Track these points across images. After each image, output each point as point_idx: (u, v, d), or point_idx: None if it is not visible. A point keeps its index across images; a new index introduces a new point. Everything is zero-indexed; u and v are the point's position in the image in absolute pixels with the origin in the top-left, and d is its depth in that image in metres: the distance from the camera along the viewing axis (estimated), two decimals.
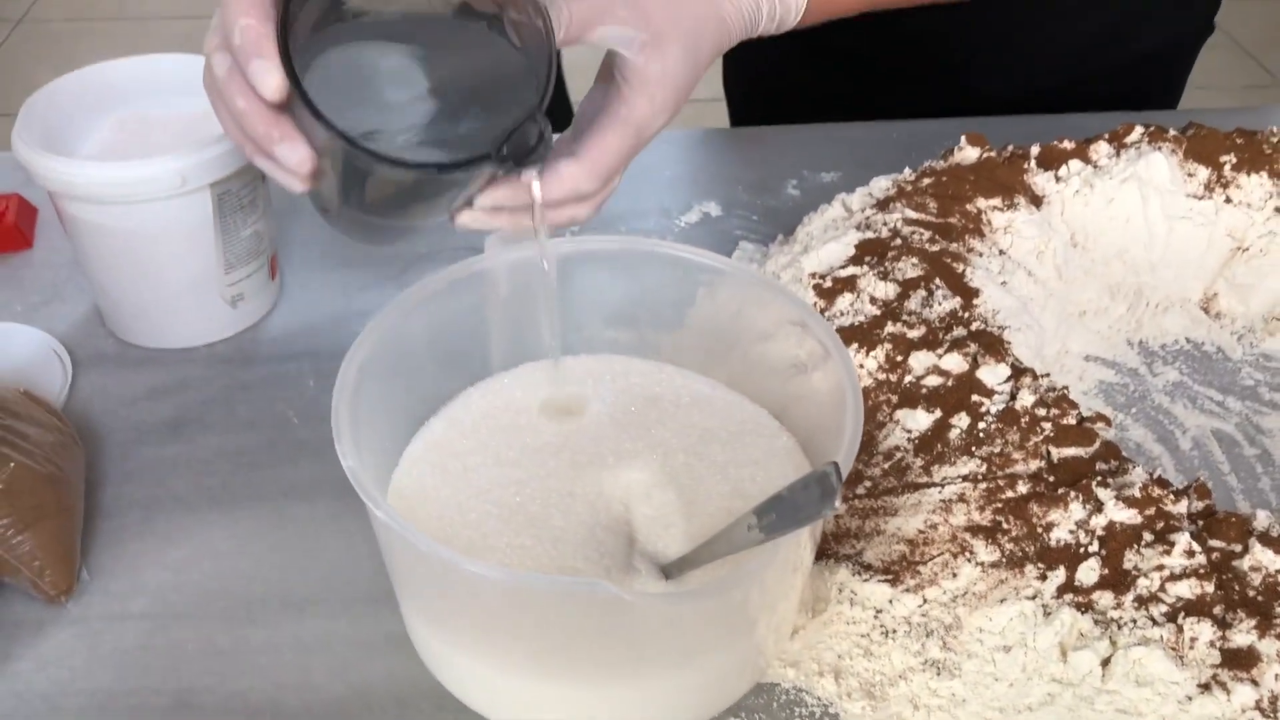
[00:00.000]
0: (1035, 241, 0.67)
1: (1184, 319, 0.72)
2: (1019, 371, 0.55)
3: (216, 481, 0.61)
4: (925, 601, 0.52)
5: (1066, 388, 0.55)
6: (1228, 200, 0.71)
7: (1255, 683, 0.45)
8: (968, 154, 0.71)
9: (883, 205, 0.67)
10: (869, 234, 0.65)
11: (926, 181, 0.68)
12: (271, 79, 0.41)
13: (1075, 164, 0.71)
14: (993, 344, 0.56)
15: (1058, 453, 0.53)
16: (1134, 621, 0.47)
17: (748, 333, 0.59)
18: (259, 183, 0.67)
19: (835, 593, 0.53)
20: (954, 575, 0.51)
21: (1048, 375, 0.55)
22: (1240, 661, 0.46)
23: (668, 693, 0.45)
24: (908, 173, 0.71)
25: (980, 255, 0.64)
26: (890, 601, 0.52)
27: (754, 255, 0.76)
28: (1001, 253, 0.66)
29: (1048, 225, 0.68)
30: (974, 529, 0.52)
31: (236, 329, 0.70)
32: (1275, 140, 0.73)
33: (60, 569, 0.54)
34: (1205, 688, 0.46)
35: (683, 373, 0.58)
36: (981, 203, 0.67)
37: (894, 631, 0.52)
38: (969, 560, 0.51)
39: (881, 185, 0.70)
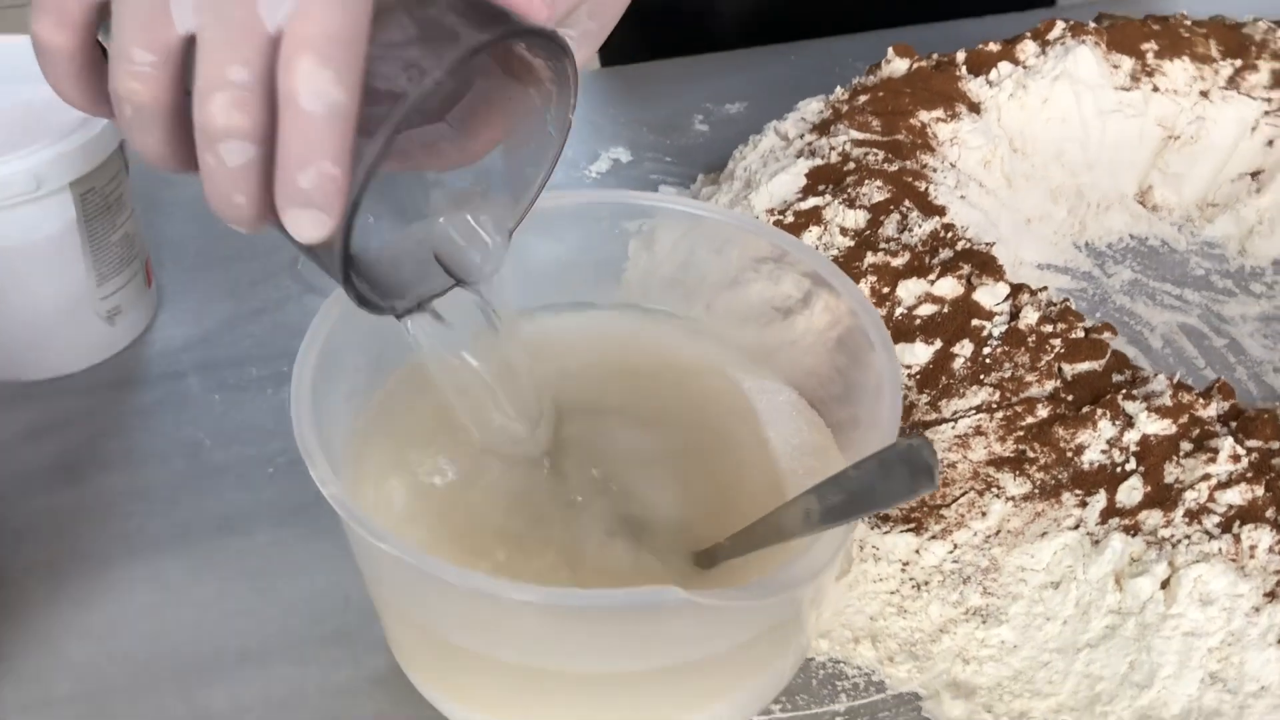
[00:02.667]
0: (982, 151, 0.64)
1: (1125, 215, 0.70)
2: (1016, 288, 0.52)
3: (130, 526, 0.53)
4: (955, 547, 0.48)
5: (1067, 299, 0.52)
6: (1155, 89, 0.70)
7: None
8: (897, 66, 0.67)
9: (822, 129, 0.63)
10: (817, 161, 0.60)
11: (863, 99, 0.64)
12: (320, 233, 0.32)
13: (1005, 66, 0.68)
14: (986, 262, 0.52)
15: (1071, 369, 0.50)
16: (1188, 538, 0.45)
17: (709, 279, 0.53)
18: (123, 175, 0.58)
19: (856, 551, 0.49)
20: (983, 514, 0.48)
21: (1044, 289, 0.52)
22: None
23: (725, 691, 0.40)
24: (840, 92, 0.67)
25: (935, 170, 0.61)
26: (917, 552, 0.48)
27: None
28: (953, 166, 0.62)
29: (990, 133, 0.65)
30: (997, 462, 0.48)
31: (117, 348, 0.61)
32: (1189, 23, 0.72)
33: None
34: (1271, 596, 0.43)
35: (649, 326, 0.52)
36: (924, 115, 0.63)
37: (926, 584, 0.48)
38: (997, 496, 0.48)
39: (814, 108, 0.66)
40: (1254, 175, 0.71)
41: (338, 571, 0.51)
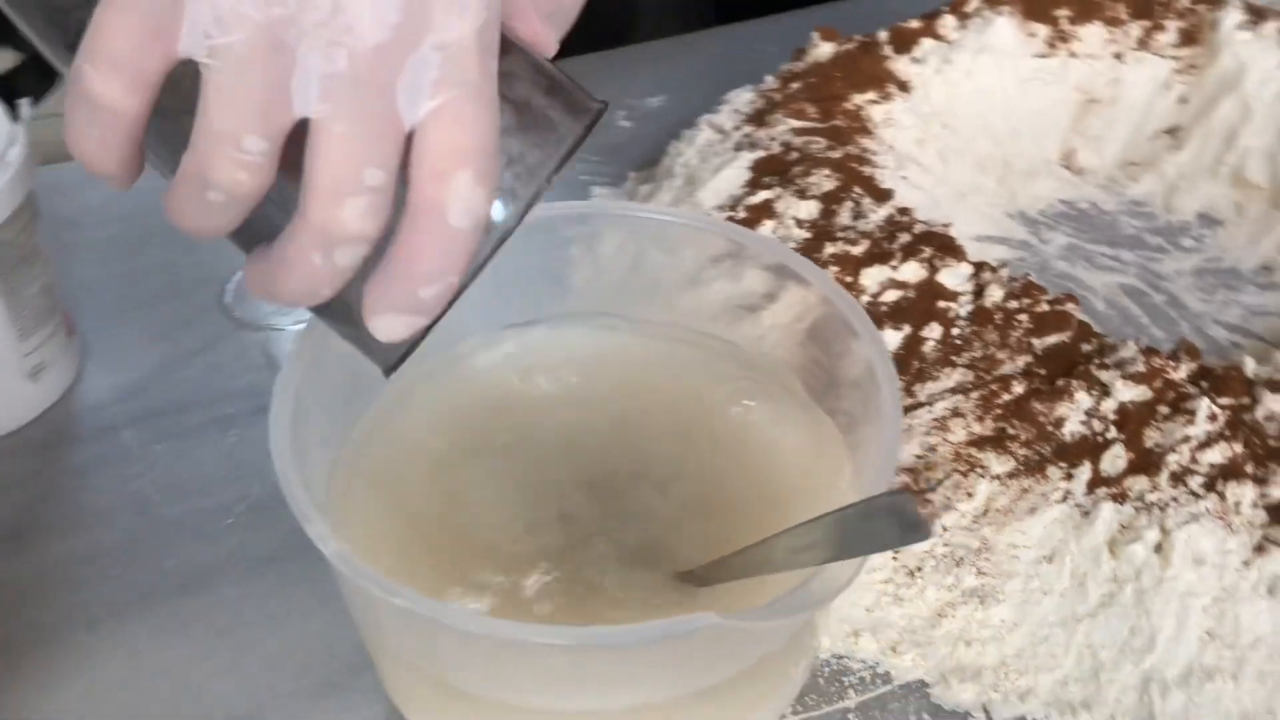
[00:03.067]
0: (916, 130, 0.64)
1: (1052, 181, 0.72)
2: (978, 267, 0.52)
3: (85, 595, 0.50)
4: (945, 530, 0.48)
5: (1029, 274, 0.52)
6: (1071, 54, 0.71)
7: None
8: (822, 50, 0.67)
9: (758, 120, 0.62)
10: (759, 152, 0.59)
11: (795, 86, 0.64)
12: (408, 335, 0.30)
13: (929, 43, 0.68)
14: (946, 243, 0.52)
15: (1040, 343, 0.50)
16: (1175, 500, 0.45)
17: (663, 282, 0.52)
18: (34, 222, 0.55)
19: None
20: (969, 495, 0.48)
21: (1005, 265, 0.52)
22: None
23: (750, 708, 0.39)
24: (769, 80, 0.66)
25: (876, 154, 0.60)
26: None
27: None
28: (891, 148, 0.62)
29: (920, 111, 0.65)
30: (979, 442, 0.48)
31: (43, 406, 0.57)
32: None
33: None
34: (1259, 549, 0.44)
35: (627, 332, 0.50)
36: (857, 99, 0.63)
37: (919, 570, 0.48)
38: (982, 476, 0.48)
39: (745, 99, 0.65)
40: (1170, 132, 0.72)
41: (317, 620, 0.49)
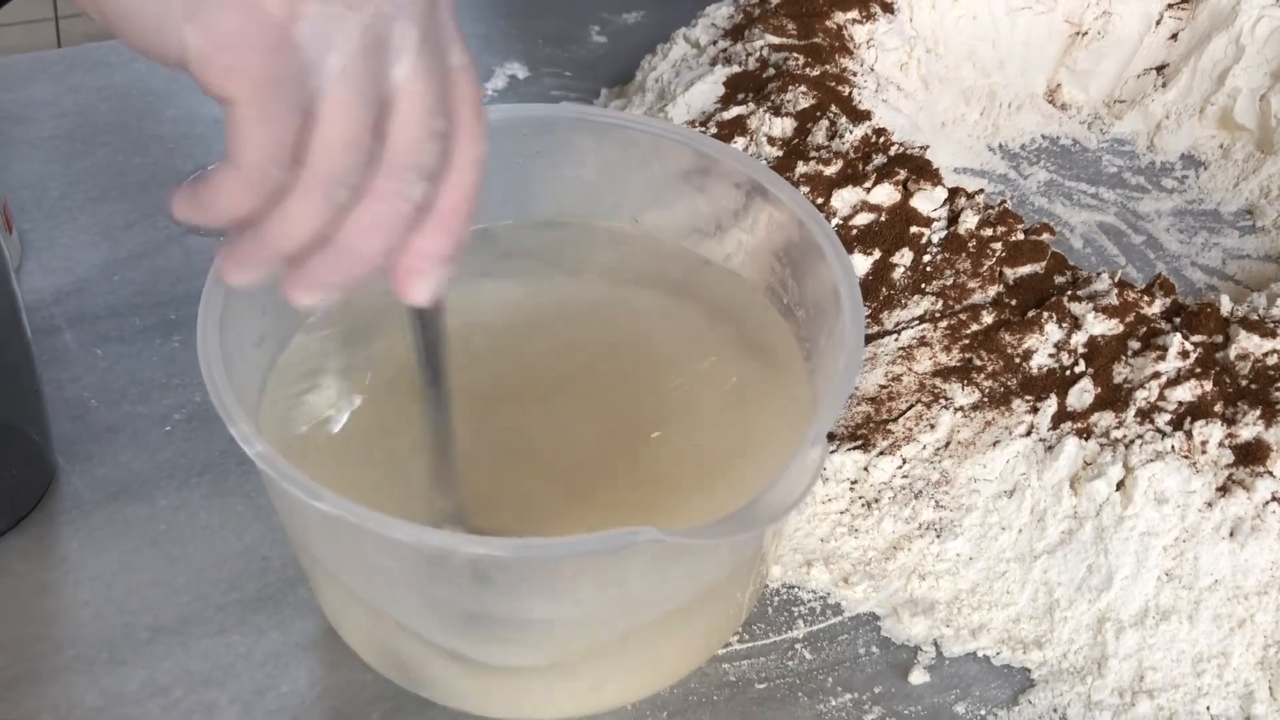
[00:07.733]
0: (899, 53, 0.62)
1: (1035, 115, 0.69)
2: (953, 192, 0.50)
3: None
4: (904, 462, 0.47)
5: (1005, 200, 0.50)
6: None
7: (1271, 474, 0.43)
8: None
9: (736, 34, 0.60)
10: (735, 68, 0.57)
11: (775, 1, 0.61)
12: None
13: None
14: (922, 167, 0.50)
15: (1013, 273, 0.48)
16: (1140, 437, 0.44)
17: (627, 201, 0.50)
18: None
19: None
20: (931, 427, 0.46)
21: (981, 191, 0.51)
22: (1253, 456, 0.43)
23: (689, 633, 0.38)
24: None
25: (856, 74, 0.58)
26: (865, 469, 0.47)
27: None
28: (872, 69, 0.60)
29: (904, 34, 0.63)
30: (944, 372, 0.47)
31: None
32: None
33: None
34: (1224, 490, 0.43)
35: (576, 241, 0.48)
36: (840, 17, 0.61)
37: (876, 501, 0.47)
38: (945, 407, 0.46)
39: (723, 13, 0.63)
40: (1159, 70, 0.70)
41: (252, 533, 0.47)
